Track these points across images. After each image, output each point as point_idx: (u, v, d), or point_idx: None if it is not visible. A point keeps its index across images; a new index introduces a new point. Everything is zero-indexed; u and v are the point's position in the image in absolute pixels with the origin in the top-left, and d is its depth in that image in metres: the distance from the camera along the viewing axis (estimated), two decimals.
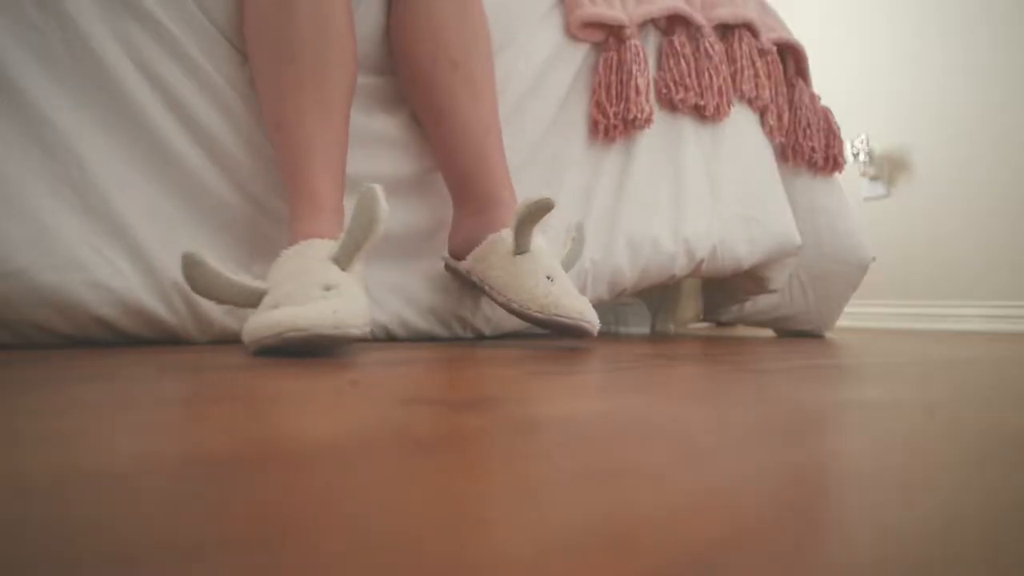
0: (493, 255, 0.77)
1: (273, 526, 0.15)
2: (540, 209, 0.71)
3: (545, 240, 0.80)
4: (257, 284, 0.62)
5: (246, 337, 0.59)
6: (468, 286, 0.84)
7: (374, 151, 0.85)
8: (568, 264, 0.81)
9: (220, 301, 0.60)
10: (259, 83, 0.75)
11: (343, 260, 0.63)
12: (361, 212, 0.61)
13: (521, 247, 0.75)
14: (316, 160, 0.71)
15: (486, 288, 0.79)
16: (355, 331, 0.58)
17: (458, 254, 0.83)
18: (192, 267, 0.59)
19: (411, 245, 0.88)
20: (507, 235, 0.76)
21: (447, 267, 0.85)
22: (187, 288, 0.71)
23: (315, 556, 0.13)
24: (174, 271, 0.71)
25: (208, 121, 0.75)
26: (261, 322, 0.57)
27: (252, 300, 0.61)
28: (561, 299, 0.73)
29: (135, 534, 0.14)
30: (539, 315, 0.73)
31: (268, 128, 0.74)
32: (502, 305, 0.78)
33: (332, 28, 0.74)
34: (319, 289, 0.60)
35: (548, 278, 0.74)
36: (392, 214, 0.86)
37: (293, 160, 0.71)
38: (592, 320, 0.74)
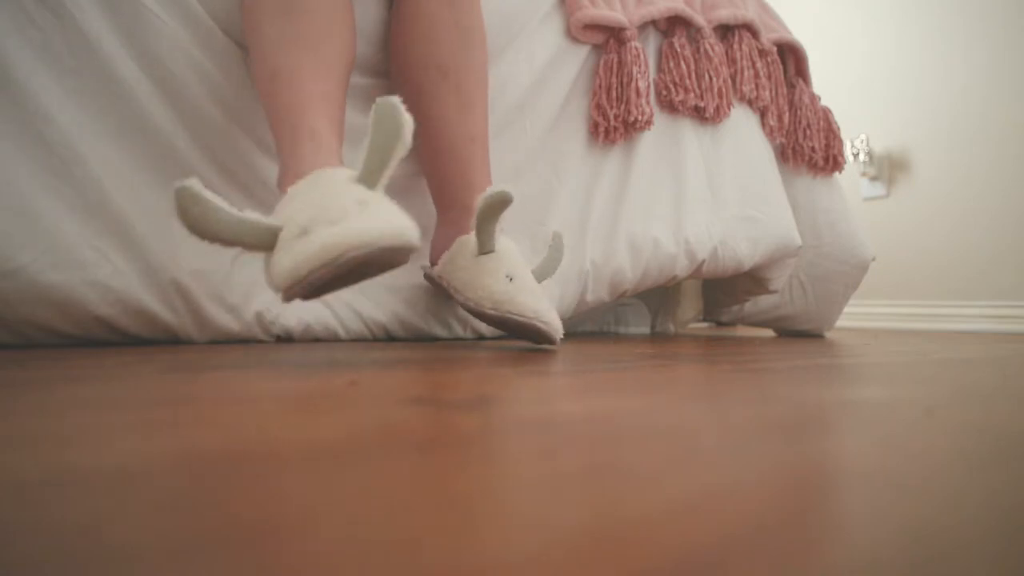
0: (459, 257, 0.76)
1: (271, 526, 0.15)
2: (497, 203, 0.67)
3: (515, 243, 0.79)
4: (270, 220, 0.52)
5: (282, 276, 0.49)
6: (444, 293, 0.82)
7: None
8: (544, 273, 0.79)
9: (224, 241, 0.50)
10: (255, 35, 0.70)
11: (371, 179, 0.52)
12: (381, 124, 0.51)
13: (484, 246, 0.73)
14: (317, 103, 0.65)
15: (452, 291, 0.77)
16: (415, 239, 0.49)
17: (436, 262, 0.83)
18: (188, 201, 0.48)
19: None
20: (473, 238, 0.75)
21: (426, 276, 0.84)
22: (187, 286, 0.71)
23: (314, 556, 0.13)
24: (174, 270, 0.71)
25: (209, 118, 0.75)
26: (303, 251, 0.47)
27: (265, 239, 0.51)
28: (517, 297, 0.70)
29: (134, 533, 0.14)
30: (492, 312, 0.71)
31: (259, 80, 0.68)
32: (462, 305, 0.76)
33: None
34: (354, 205, 0.50)
35: (508, 277, 0.72)
36: None
37: (291, 101, 0.64)
38: (551, 322, 0.70)
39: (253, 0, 0.72)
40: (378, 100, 0.52)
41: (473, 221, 0.73)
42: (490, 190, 0.67)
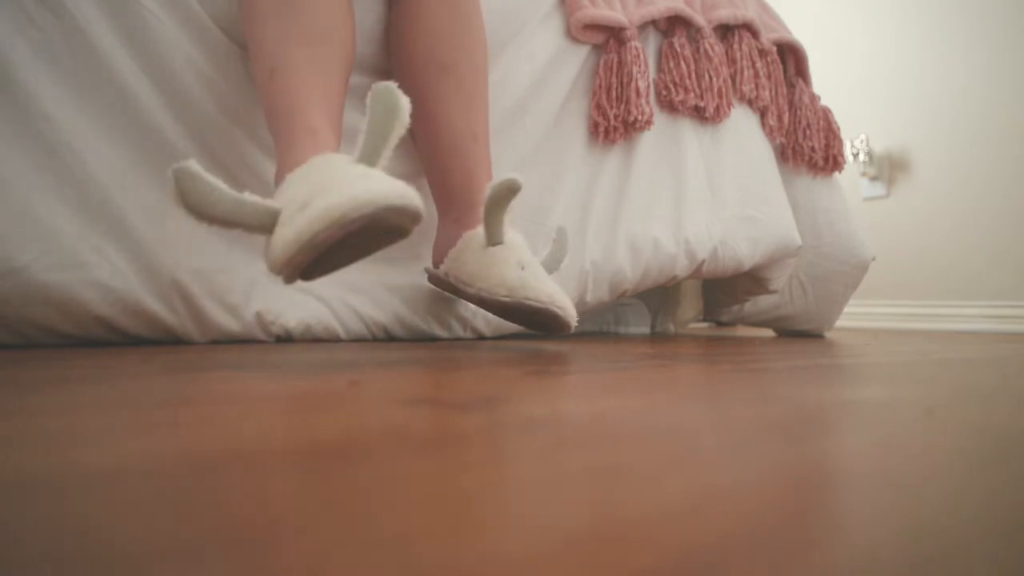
0: (467, 251, 0.75)
1: (271, 526, 0.15)
2: (506, 192, 0.66)
3: (524, 236, 0.78)
4: (270, 202, 0.51)
5: (284, 246, 0.48)
6: (450, 292, 0.80)
7: None
8: (549, 268, 0.79)
9: (223, 223, 0.49)
10: (254, 32, 0.69)
11: (369, 159, 0.52)
12: (379, 105, 0.51)
13: (493, 238, 0.72)
14: (315, 101, 0.64)
15: (460, 287, 0.75)
16: (419, 204, 0.49)
17: (439, 262, 0.82)
18: (187, 181, 0.47)
19: (410, 245, 0.88)
20: (481, 231, 0.74)
21: (429, 278, 0.82)
22: (187, 286, 0.71)
23: (313, 556, 0.13)
24: (174, 270, 0.71)
25: (209, 118, 0.75)
26: (305, 217, 0.46)
27: (265, 220, 0.50)
28: (530, 282, 0.69)
29: (134, 534, 0.14)
30: (506, 299, 0.69)
31: (258, 77, 0.68)
32: (471, 298, 0.74)
33: None
34: (356, 176, 0.50)
35: (520, 266, 0.71)
36: None
37: (287, 103, 0.64)
38: (566, 308, 0.70)
39: (252, 1, 0.72)
40: (375, 85, 0.52)
41: (481, 212, 0.72)
42: (498, 180, 0.67)
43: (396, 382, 0.42)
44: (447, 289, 0.80)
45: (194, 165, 0.48)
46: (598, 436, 0.27)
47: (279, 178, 0.59)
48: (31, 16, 0.68)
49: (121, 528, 0.15)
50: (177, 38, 0.74)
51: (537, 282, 0.70)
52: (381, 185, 0.47)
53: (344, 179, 0.49)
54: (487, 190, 0.68)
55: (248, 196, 0.50)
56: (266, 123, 0.68)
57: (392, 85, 0.52)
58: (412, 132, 0.86)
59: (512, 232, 0.75)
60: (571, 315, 0.71)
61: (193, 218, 0.49)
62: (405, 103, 0.51)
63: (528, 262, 0.73)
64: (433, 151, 0.82)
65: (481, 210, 0.72)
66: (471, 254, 0.74)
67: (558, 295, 0.70)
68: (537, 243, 0.94)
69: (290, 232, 0.47)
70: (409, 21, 0.81)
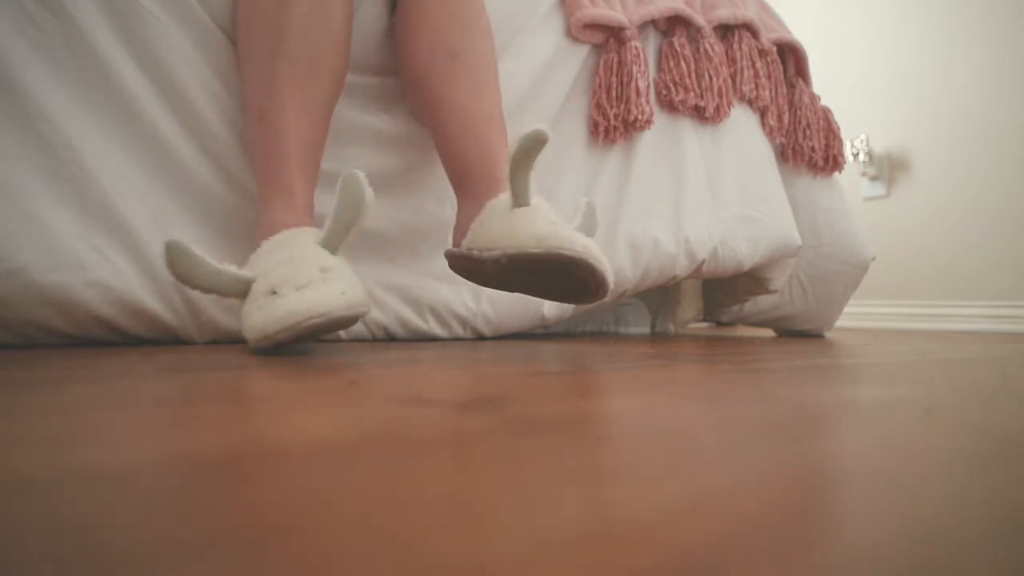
0: (491, 217, 0.68)
1: (271, 526, 0.15)
2: (533, 143, 0.62)
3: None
4: (244, 273, 0.60)
5: (253, 333, 0.57)
6: (469, 271, 0.73)
7: (371, 148, 0.85)
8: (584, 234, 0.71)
9: (204, 290, 0.59)
10: (246, 71, 0.74)
11: (332, 244, 0.62)
12: (346, 197, 0.61)
13: (520, 198, 0.66)
14: (295, 157, 0.71)
15: (482, 256, 0.67)
16: (365, 310, 0.60)
17: (459, 244, 0.75)
18: (176, 255, 0.57)
19: (409, 244, 0.88)
20: (505, 197, 0.68)
21: (448, 261, 0.75)
22: (187, 287, 0.71)
23: (313, 556, 0.13)
24: None
25: (207, 119, 0.75)
26: (270, 315, 0.55)
27: (239, 289, 0.60)
28: (563, 232, 0.63)
29: (134, 534, 0.14)
30: (536, 251, 0.62)
31: (250, 116, 0.73)
32: (496, 264, 0.65)
33: (329, 27, 0.74)
34: (317, 272, 0.59)
35: (552, 222, 0.64)
36: (388, 212, 0.86)
37: (272, 154, 0.71)
38: (603, 261, 0.63)
39: (245, 34, 0.74)
40: (343, 174, 0.61)
41: (505, 177, 0.67)
42: (524, 131, 0.62)
43: (396, 382, 0.42)
44: (466, 267, 0.72)
45: (182, 243, 0.57)
46: (598, 436, 0.27)
47: (257, 234, 0.68)
48: (31, 16, 0.68)
49: (121, 528, 0.15)
50: (177, 38, 0.74)
51: (571, 232, 0.63)
52: (333, 295, 0.57)
53: (308, 274, 0.59)
54: (512, 144, 0.63)
55: (226, 268, 0.59)
56: (251, 157, 0.74)
57: (359, 175, 0.61)
58: (423, 124, 0.85)
59: (538, 198, 0.68)
60: (608, 270, 0.63)
61: (181, 284, 0.59)
62: (370, 195, 0.61)
63: (559, 220, 0.66)
64: (447, 134, 0.80)
65: (505, 175, 0.67)
66: (496, 218, 0.68)
67: (592, 247, 0.63)
68: None
69: (259, 322, 0.56)
70: (413, 12, 0.82)
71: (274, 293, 0.58)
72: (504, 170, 0.68)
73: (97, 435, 0.24)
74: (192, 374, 0.45)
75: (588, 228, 0.75)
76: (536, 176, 0.95)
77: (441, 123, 0.80)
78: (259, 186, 0.71)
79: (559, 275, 0.64)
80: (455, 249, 0.73)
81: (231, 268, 0.60)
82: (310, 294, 0.56)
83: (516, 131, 0.94)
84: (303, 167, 0.72)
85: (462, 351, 0.70)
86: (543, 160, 0.97)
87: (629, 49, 1.01)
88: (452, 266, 0.75)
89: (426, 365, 0.54)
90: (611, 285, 0.65)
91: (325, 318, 0.56)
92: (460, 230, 0.75)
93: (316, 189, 0.75)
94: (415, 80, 0.82)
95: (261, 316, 0.56)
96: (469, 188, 0.77)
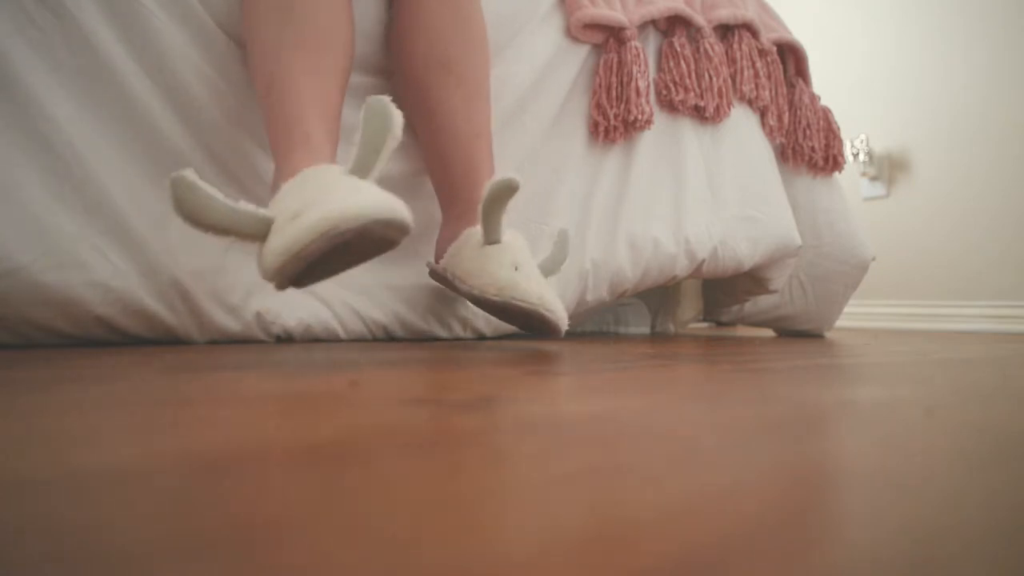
0: (465, 247, 0.75)
1: (271, 526, 0.15)
2: (504, 191, 0.66)
3: (523, 238, 0.77)
4: (263, 211, 0.53)
5: (275, 257, 0.49)
6: (448, 288, 0.80)
7: None
8: (549, 270, 0.78)
9: (218, 231, 0.51)
10: (253, 38, 0.71)
11: (363, 171, 0.54)
12: (372, 119, 0.53)
13: (491, 236, 0.71)
14: (310, 111, 0.65)
15: (456, 283, 0.75)
16: (408, 217, 0.51)
17: (441, 258, 0.82)
18: (184, 191, 0.49)
19: (409, 244, 0.88)
20: (479, 231, 0.74)
21: (431, 273, 0.83)
22: (187, 286, 0.71)
23: (313, 556, 0.13)
24: (174, 270, 0.70)
25: (209, 117, 0.75)
26: (299, 226, 0.48)
27: (258, 228, 0.52)
28: (521, 283, 0.69)
29: (134, 534, 0.14)
30: (495, 299, 0.69)
31: (257, 85, 0.69)
32: (465, 295, 0.74)
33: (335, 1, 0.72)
34: (347, 189, 0.52)
35: (514, 266, 0.71)
36: None
37: (285, 113, 0.65)
38: (555, 311, 0.69)
39: (252, 4, 0.72)
40: (369, 98, 0.54)
41: (479, 211, 0.71)
42: (496, 178, 0.66)
43: (396, 382, 0.42)
44: (445, 284, 0.80)
45: (191, 174, 0.49)
46: (598, 436, 0.27)
47: (275, 186, 0.60)
48: (31, 16, 0.68)
49: (121, 528, 0.15)
50: (177, 38, 0.74)
51: (528, 283, 0.70)
52: (370, 198, 0.48)
53: (335, 191, 0.50)
54: (485, 188, 0.68)
55: (243, 204, 0.51)
56: (264, 128, 0.69)
57: (385, 99, 0.53)
58: (414, 130, 0.86)
59: (512, 233, 0.75)
60: (561, 318, 0.71)
61: (189, 225, 0.50)
62: (398, 117, 0.53)
63: (523, 263, 0.72)
64: (436, 148, 0.82)
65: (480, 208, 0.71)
66: (468, 251, 0.74)
67: (548, 297, 0.70)
68: (537, 243, 0.94)
69: (281, 242, 0.49)
70: (409, 20, 0.82)
71: (297, 216, 0.50)
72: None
73: (97, 435, 0.24)
74: (192, 374, 0.45)
75: (557, 260, 0.80)
76: (536, 176, 0.96)
77: (431, 134, 0.82)
78: (275, 148, 0.65)
79: (516, 315, 0.72)
80: (435, 266, 0.81)
81: (248, 205, 0.52)
82: (342, 200, 0.48)
83: (516, 131, 0.95)
84: (321, 121, 0.66)
85: (462, 351, 0.70)
86: (543, 160, 0.97)
87: (629, 49, 1.01)
88: (432, 277, 0.82)
89: (426, 365, 0.54)
90: (564, 329, 0.71)
91: (363, 220, 0.47)
92: (441, 245, 0.82)
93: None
94: (408, 87, 0.82)
95: (282, 237, 0.49)
96: (453, 206, 0.82)
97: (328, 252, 0.49)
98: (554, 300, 0.71)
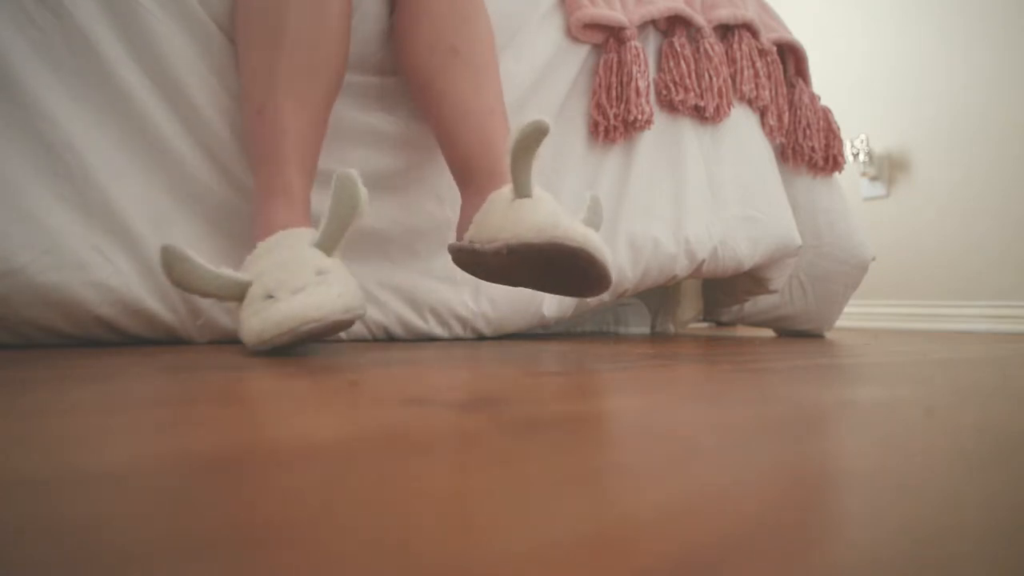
0: (493, 210, 0.66)
1: (271, 526, 0.15)
2: (534, 134, 0.60)
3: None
4: (240, 276, 0.60)
5: (251, 337, 0.57)
6: (471, 264, 0.71)
7: (371, 148, 0.85)
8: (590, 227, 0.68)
9: (201, 294, 0.58)
10: (245, 66, 0.73)
11: (328, 245, 0.62)
12: (341, 196, 0.61)
13: (522, 189, 0.64)
14: (293, 155, 0.71)
15: (483, 248, 0.65)
16: (361, 312, 0.60)
17: (462, 237, 0.73)
18: (172, 260, 0.57)
19: (409, 244, 0.88)
20: (507, 190, 0.67)
21: (453, 257, 0.73)
22: (183, 292, 0.71)
23: (312, 556, 0.13)
24: None
25: (207, 118, 0.75)
26: (267, 320, 0.56)
27: (236, 292, 0.59)
28: (563, 221, 0.61)
29: (134, 534, 0.14)
30: (535, 240, 0.60)
31: (248, 111, 0.73)
32: (496, 256, 0.63)
33: (327, 24, 0.74)
34: (313, 275, 0.59)
35: (554, 214, 0.62)
36: (388, 212, 0.86)
37: (270, 149, 0.71)
38: (602, 249, 0.61)
39: (244, 28, 0.73)
40: (337, 173, 0.61)
41: (507, 168, 0.65)
42: (524, 121, 0.61)
43: (396, 382, 0.42)
44: (468, 260, 0.70)
45: (178, 248, 0.57)
46: (598, 436, 0.27)
47: (254, 234, 0.68)
48: (31, 16, 0.68)
49: (121, 528, 0.15)
50: (177, 38, 0.74)
51: (572, 223, 0.61)
52: (330, 297, 0.57)
53: (304, 277, 0.59)
54: (512, 133, 0.62)
55: (223, 271, 0.59)
56: (248, 141, 0.73)
57: (353, 174, 0.61)
58: (426, 119, 0.84)
59: (540, 190, 0.67)
60: (609, 260, 0.62)
61: (177, 289, 0.60)
62: (364, 195, 0.61)
63: (561, 211, 0.64)
64: (448, 129, 0.79)
65: (507, 168, 0.65)
66: (498, 210, 0.66)
67: (595, 237, 0.61)
68: None
69: (256, 326, 0.56)
70: (413, 8, 0.82)
71: (270, 297, 0.58)
72: (506, 163, 0.65)
73: (97, 435, 0.24)
74: (192, 374, 0.45)
75: (594, 222, 0.72)
76: (537, 175, 0.96)
77: (442, 118, 0.80)
78: (256, 181, 0.71)
79: (561, 267, 0.62)
80: (457, 243, 0.71)
81: (227, 271, 0.59)
82: (306, 298, 0.56)
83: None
84: (301, 165, 0.72)
85: (462, 351, 0.70)
86: (543, 160, 0.97)
87: (629, 49, 1.01)
88: (455, 260, 0.73)
89: (426, 365, 0.54)
90: (613, 277, 0.63)
91: (321, 323, 0.56)
92: (463, 224, 0.73)
93: (314, 188, 0.75)
94: (416, 76, 0.82)
95: (258, 321, 0.56)
96: (471, 182, 0.76)
97: (292, 342, 0.57)
98: (601, 241, 0.62)
